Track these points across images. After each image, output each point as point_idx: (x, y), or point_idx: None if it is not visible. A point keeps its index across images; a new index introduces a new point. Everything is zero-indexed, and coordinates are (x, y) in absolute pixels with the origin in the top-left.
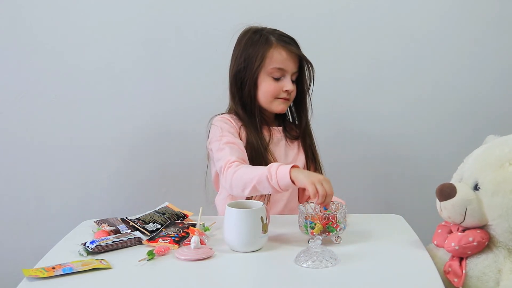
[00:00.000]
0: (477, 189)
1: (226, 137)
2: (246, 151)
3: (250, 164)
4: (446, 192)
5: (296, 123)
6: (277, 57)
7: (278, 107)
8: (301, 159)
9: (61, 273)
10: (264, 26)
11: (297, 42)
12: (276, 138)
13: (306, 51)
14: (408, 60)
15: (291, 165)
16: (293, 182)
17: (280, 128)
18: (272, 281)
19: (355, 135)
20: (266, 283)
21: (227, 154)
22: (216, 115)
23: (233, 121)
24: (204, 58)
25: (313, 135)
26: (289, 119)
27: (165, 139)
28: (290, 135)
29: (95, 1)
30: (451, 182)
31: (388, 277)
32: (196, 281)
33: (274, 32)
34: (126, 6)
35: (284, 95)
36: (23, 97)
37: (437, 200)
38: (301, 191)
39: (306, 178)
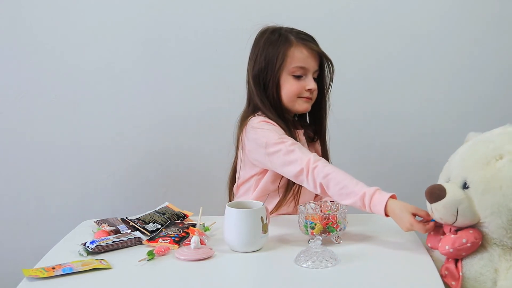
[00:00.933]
0: (466, 188)
1: (286, 138)
2: None
3: None
4: (436, 193)
5: (309, 124)
6: (298, 56)
7: (302, 106)
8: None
9: (61, 273)
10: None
11: (316, 39)
12: (302, 141)
13: None
14: (407, 60)
15: (387, 198)
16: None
17: (302, 131)
18: (272, 281)
19: (355, 135)
20: (266, 283)
21: (299, 155)
22: (251, 117)
23: (274, 122)
24: (204, 58)
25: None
26: (306, 120)
27: (165, 139)
28: (308, 138)
29: (95, 1)
30: (438, 182)
31: (388, 277)
32: (196, 281)
33: (292, 30)
34: (126, 6)
35: (307, 94)
36: (23, 97)
37: (427, 202)
38: None
39: (399, 221)
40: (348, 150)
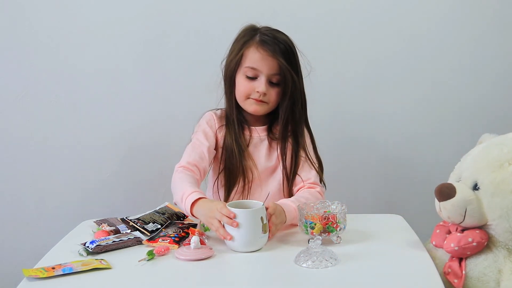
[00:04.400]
0: (477, 189)
1: (196, 136)
2: (222, 152)
3: (228, 167)
4: (446, 192)
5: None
6: (252, 56)
7: (250, 107)
8: (287, 160)
9: (61, 273)
10: (261, 26)
11: (286, 44)
12: (257, 139)
13: (305, 51)
14: (407, 60)
15: (194, 199)
16: (194, 216)
17: (264, 128)
18: (272, 281)
19: (355, 135)
20: (266, 283)
21: (184, 156)
22: (210, 109)
23: (215, 119)
24: (204, 58)
25: (313, 136)
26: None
27: (165, 139)
28: (274, 136)
29: (95, 1)
30: (449, 181)
31: (388, 277)
32: (196, 281)
33: (264, 32)
34: (126, 6)
35: (256, 95)
36: (23, 97)
37: (436, 200)
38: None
39: (204, 218)
40: (348, 150)
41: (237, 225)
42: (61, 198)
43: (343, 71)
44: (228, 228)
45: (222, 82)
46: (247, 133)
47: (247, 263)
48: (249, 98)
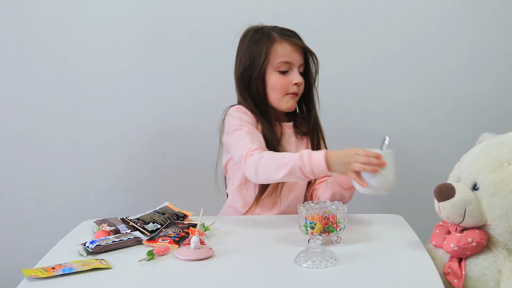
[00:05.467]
0: (476, 189)
1: (246, 127)
2: None
3: None
4: (445, 192)
5: (303, 118)
6: (282, 51)
7: (287, 104)
8: None
9: (61, 273)
10: (264, 24)
11: (299, 35)
12: (287, 134)
13: None
14: (407, 59)
15: (323, 152)
16: (328, 169)
17: (291, 124)
18: (272, 281)
19: (355, 134)
20: (266, 283)
21: (248, 142)
22: (230, 106)
23: (250, 113)
24: (204, 57)
25: (323, 131)
26: (299, 114)
27: (165, 139)
28: (300, 131)
29: (95, 1)
30: (448, 181)
31: (388, 277)
32: (196, 281)
33: (275, 28)
34: (126, 6)
35: (293, 88)
36: (23, 97)
37: (436, 201)
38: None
39: (342, 166)
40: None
41: (384, 165)
42: (61, 198)
43: (343, 71)
44: (391, 171)
45: (238, 88)
46: (278, 129)
47: (247, 263)
48: (286, 94)
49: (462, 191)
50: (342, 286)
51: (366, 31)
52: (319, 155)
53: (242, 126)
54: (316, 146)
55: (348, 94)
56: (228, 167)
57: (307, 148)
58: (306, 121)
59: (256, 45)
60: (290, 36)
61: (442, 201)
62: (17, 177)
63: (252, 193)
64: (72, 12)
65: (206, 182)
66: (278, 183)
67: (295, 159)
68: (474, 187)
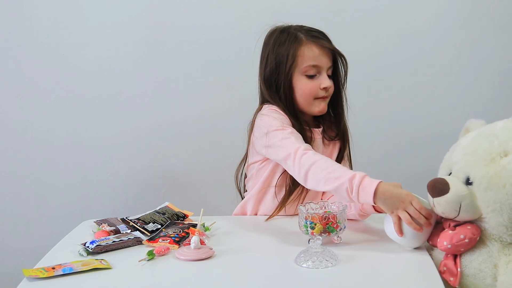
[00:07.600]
0: (469, 183)
1: (288, 127)
2: None
3: None
4: (439, 188)
5: (331, 123)
6: (309, 54)
7: (318, 107)
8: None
9: (61, 273)
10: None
11: (327, 35)
12: (317, 141)
13: None
14: (407, 59)
15: (376, 184)
16: (374, 202)
17: (320, 130)
18: (272, 281)
19: (354, 134)
20: (266, 283)
21: (294, 141)
22: (264, 105)
23: (285, 114)
24: (204, 58)
25: (350, 135)
26: (327, 117)
27: (165, 139)
28: (328, 136)
29: (96, 1)
30: (439, 174)
31: (388, 277)
32: (196, 281)
33: (301, 28)
34: (126, 6)
35: (322, 93)
36: (23, 97)
37: (429, 196)
38: None
39: (389, 206)
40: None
41: (430, 227)
42: (62, 198)
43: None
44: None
45: (266, 91)
46: (309, 135)
47: (247, 263)
48: (315, 98)
49: (456, 186)
50: (342, 286)
51: (365, 32)
52: (371, 187)
53: (284, 126)
54: (342, 152)
55: (347, 94)
56: (253, 168)
57: (331, 153)
58: (334, 125)
59: (282, 47)
60: (317, 37)
61: (436, 197)
62: (18, 177)
63: (271, 197)
64: (72, 12)
65: (206, 182)
66: (303, 189)
67: (346, 178)
68: (467, 181)
